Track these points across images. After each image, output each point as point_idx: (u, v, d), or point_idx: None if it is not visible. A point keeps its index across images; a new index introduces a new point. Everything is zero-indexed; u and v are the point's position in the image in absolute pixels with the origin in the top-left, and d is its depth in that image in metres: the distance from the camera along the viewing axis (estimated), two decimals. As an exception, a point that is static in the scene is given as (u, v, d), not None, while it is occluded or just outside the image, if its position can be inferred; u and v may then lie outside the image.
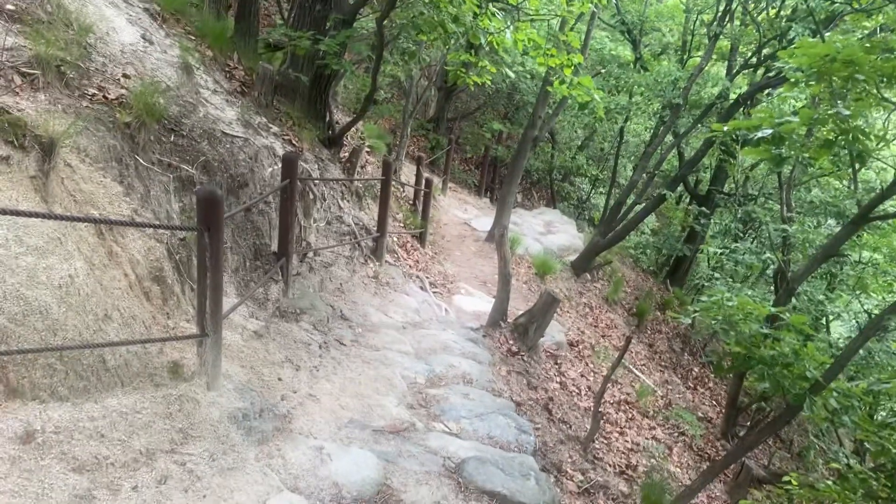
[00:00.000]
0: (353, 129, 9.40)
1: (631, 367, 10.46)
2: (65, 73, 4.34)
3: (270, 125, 6.86)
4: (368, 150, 10.79)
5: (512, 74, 8.95)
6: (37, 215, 3.06)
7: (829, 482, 6.06)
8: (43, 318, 3.20)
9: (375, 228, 8.45)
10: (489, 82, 8.77)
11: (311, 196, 7.20)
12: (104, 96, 4.52)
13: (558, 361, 8.18)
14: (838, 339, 14.10)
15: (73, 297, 3.41)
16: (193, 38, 6.59)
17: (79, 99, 4.35)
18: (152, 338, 3.96)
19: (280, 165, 6.12)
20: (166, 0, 6.57)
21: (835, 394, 5.61)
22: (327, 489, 3.54)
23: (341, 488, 3.58)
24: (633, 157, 19.92)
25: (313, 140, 7.87)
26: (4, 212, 2.82)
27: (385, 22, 7.26)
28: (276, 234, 6.14)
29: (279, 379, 4.66)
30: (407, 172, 13.49)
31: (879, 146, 7.18)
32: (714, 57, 14.40)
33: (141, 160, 4.57)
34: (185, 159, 5.05)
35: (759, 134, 5.35)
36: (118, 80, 4.82)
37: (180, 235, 4.68)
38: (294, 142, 7.16)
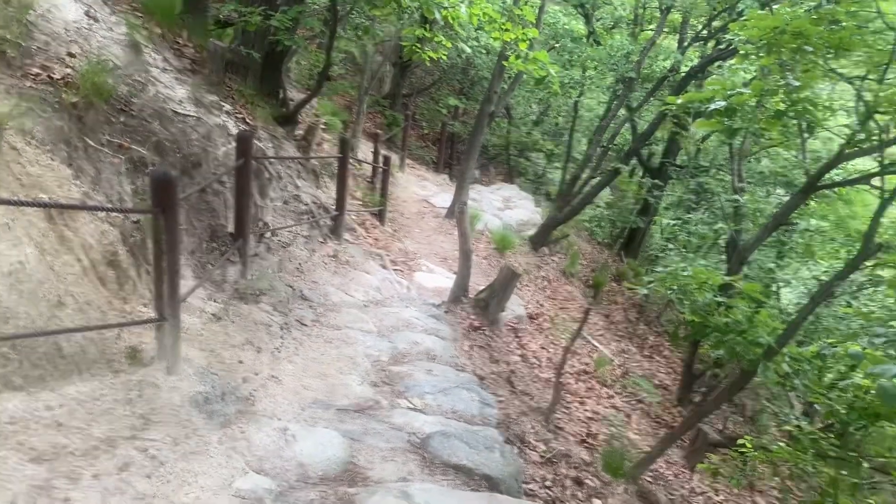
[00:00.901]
0: (307, 106, 9.26)
1: (589, 337, 10.63)
2: (5, 52, 4.18)
3: (223, 103, 6.72)
4: (324, 127, 10.66)
5: (467, 49, 8.91)
6: (-18, 200, 2.96)
7: (782, 444, 6.27)
8: (-7, 307, 3.11)
9: (334, 207, 8.37)
10: (444, 58, 8.71)
11: (267, 175, 7.09)
12: (49, 76, 4.37)
13: (519, 335, 8.27)
14: (788, 305, 14.51)
15: (24, 283, 3.32)
16: (140, 14, 6.39)
17: (21, 79, 4.20)
18: (109, 323, 3.87)
19: (234, 144, 6.00)
20: (110, -25, 6.35)
21: (787, 358, 5.79)
22: (293, 469, 3.53)
23: (307, 468, 3.57)
24: (587, 132, 20.05)
25: (267, 118, 7.73)
26: (-52, 198, 2.72)
27: (338, -4, 7.14)
28: (232, 214, 6.05)
29: (240, 361, 4.61)
30: (364, 150, 13.37)
31: (827, 116, 7.36)
32: (666, 30, 14.53)
33: (90, 142, 4.43)
34: (136, 140, 4.92)
35: (712, 106, 5.44)
36: (63, 59, 4.66)
37: (134, 218, 4.58)
38: (248, 120, 7.03)
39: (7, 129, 3.69)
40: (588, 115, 20.07)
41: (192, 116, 5.85)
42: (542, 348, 8.52)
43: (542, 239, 13.23)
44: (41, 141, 4.05)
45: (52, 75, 4.40)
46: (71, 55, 4.77)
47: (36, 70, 4.35)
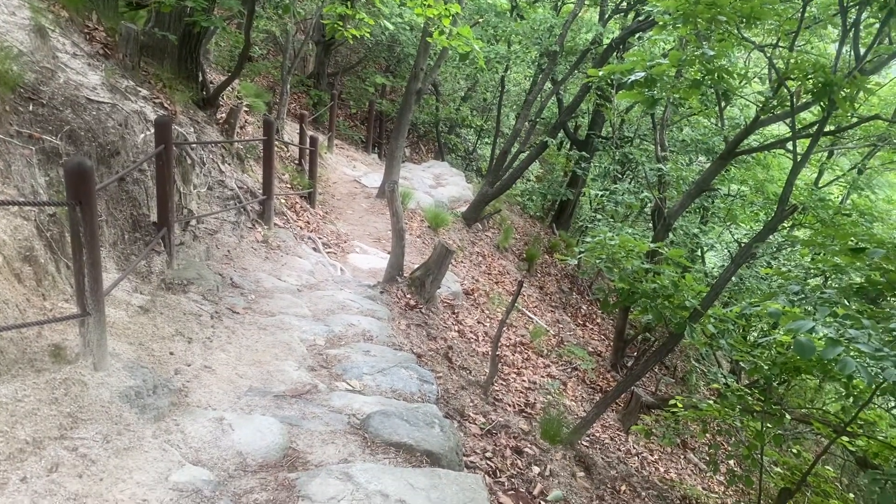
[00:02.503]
0: (228, 88, 9.03)
1: (524, 309, 10.80)
2: None
3: (139, 88, 6.48)
4: (247, 109, 10.41)
5: (390, 26, 8.82)
6: None
7: (711, 402, 6.54)
8: None
9: (261, 191, 8.21)
10: (368, 35, 8.61)
11: (189, 161, 6.90)
12: (-54, 64, 4.13)
13: (455, 311, 8.34)
14: (713, 268, 15.05)
15: (-67, 285, 3.16)
16: (44, -3, 6.08)
17: (-84, 68, 3.96)
18: (28, 322, 3.72)
19: (153, 131, 5.80)
20: (8, -45, 6.01)
21: (712, 320, 6.03)
22: (231, 459, 3.49)
23: (245, 456, 3.54)
24: (514, 106, 20.21)
25: (187, 102, 7.50)
26: None
27: (254, -25, 6.95)
28: (154, 203, 5.87)
29: (171, 353, 4.51)
30: (290, 131, 13.13)
31: (742, 84, 7.60)
32: (587, 3, 14.70)
33: (-4, 133, 4.22)
34: (47, 129, 4.70)
35: (633, 77, 5.55)
36: (-40, 45, 4.41)
37: (49, 211, 4.39)
38: (166, 105, 6.80)
39: None
40: (515, 89, 20.21)
41: (107, 103, 5.62)
42: (479, 323, 8.62)
43: (474, 215, 13.32)
44: (-58, 134, 3.83)
45: (-49, 64, 4.17)
46: (-30, 42, 4.52)
47: (-68, 58, 4.10)
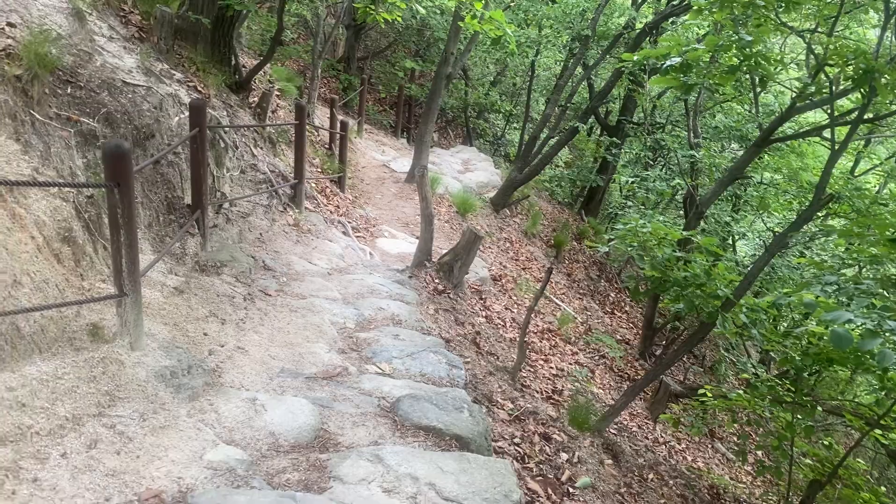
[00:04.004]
0: (261, 72, 9.07)
1: (552, 296, 10.77)
2: (-60, 24, 4.00)
3: (173, 72, 6.54)
4: (278, 93, 10.46)
5: (422, 10, 8.79)
6: (-73, 180, 2.86)
7: (740, 391, 6.48)
8: (-55, 289, 3.03)
9: (292, 175, 8.27)
10: (399, 19, 8.59)
11: (223, 144, 6.96)
12: (-12, 47, 4.20)
13: (483, 296, 8.34)
14: (744, 257, 14.88)
15: (-23, 264, 3.23)
16: (81, -20, 6.16)
17: (-40, 51, 4.03)
18: (67, 301, 3.80)
19: (187, 114, 5.86)
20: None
21: (744, 309, 5.95)
22: (264, 439, 3.54)
23: (278, 437, 3.59)
24: (544, 91, 20.06)
25: (220, 85, 7.56)
26: None
27: (287, -42, 6.95)
28: (188, 186, 5.93)
29: (205, 334, 4.58)
30: (320, 115, 13.18)
31: (779, 70, 7.46)
32: (620, -13, 14.51)
33: (37, 115, 4.29)
34: (85, 112, 4.77)
35: (667, 62, 5.47)
36: (2, 29, 4.48)
37: (88, 193, 4.46)
38: (200, 88, 6.87)
39: (-52, 104, 3.55)
40: (545, 74, 20.05)
41: (143, 86, 5.69)
42: (506, 309, 8.61)
43: (502, 200, 13.28)
44: (-15, 116, 3.91)
45: (-8, 47, 4.24)
46: (11, 25, 4.59)
47: (-26, 42, 4.18)
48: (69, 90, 4.76)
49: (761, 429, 8.28)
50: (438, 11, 15.76)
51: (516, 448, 4.67)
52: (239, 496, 2.85)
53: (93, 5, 5.93)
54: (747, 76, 8.04)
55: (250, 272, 5.98)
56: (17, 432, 2.88)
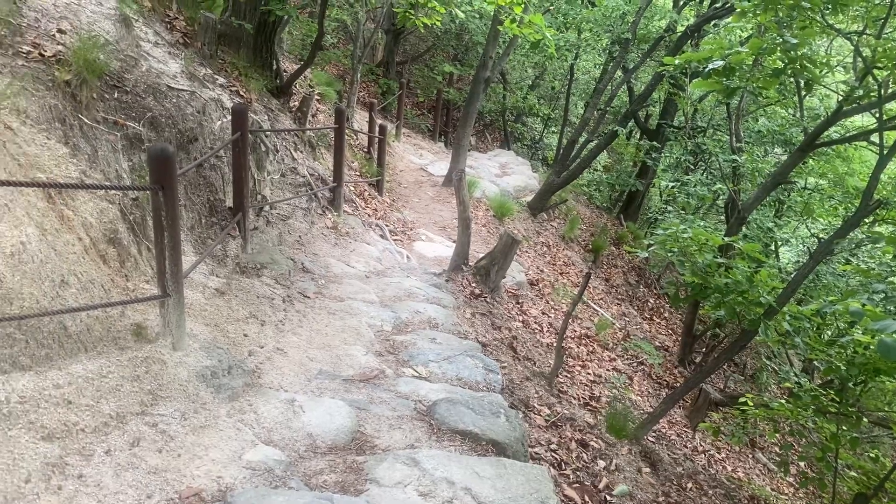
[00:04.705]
0: (301, 76, 9.18)
1: (589, 302, 10.68)
2: (-5, 31, 4.13)
3: (216, 76, 6.65)
4: (318, 97, 10.57)
5: (461, 14, 8.79)
6: (-19, 182, 2.95)
7: (782, 401, 6.34)
8: (-3, 288, 3.12)
9: (331, 178, 8.35)
10: (438, 23, 8.61)
11: (264, 148, 7.06)
12: (40, 53, 4.32)
13: (520, 301, 8.31)
14: (787, 264, 14.57)
15: (27, 264, 3.32)
16: (129, -13, 6.30)
17: (13, 58, 4.15)
18: (112, 301, 3.88)
19: (229, 118, 5.96)
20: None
21: (787, 317, 5.83)
22: (301, 440, 3.57)
23: (315, 438, 3.61)
24: (583, 95, 19.93)
25: (261, 90, 7.66)
26: (-53, 180, 2.71)
27: (328, -36, 7.03)
28: (230, 188, 6.03)
29: (245, 335, 4.64)
30: (359, 119, 13.28)
31: (825, 73, 7.30)
32: (661, -11, 14.36)
33: (85, 119, 4.40)
34: (130, 116, 4.88)
35: (710, 66, 5.38)
36: (53, 35, 4.60)
37: (132, 195, 4.56)
38: (242, 93, 6.97)
39: (1, 108, 3.66)
40: (584, 77, 19.93)
41: (186, 91, 5.80)
42: (543, 314, 8.56)
43: (540, 204, 13.22)
44: (36, 120, 4.02)
45: (44, 52, 4.35)
46: (61, 31, 4.71)
47: (27, 48, 4.30)
48: (116, 95, 4.87)
49: (804, 439, 8.09)
50: (477, 16, 15.76)
51: (553, 454, 4.64)
52: (277, 496, 2.88)
53: (139, 12, 6.06)
54: (792, 79, 7.88)
55: (289, 274, 6.05)
56: (63, 429, 2.95)
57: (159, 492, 2.83)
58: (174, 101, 5.53)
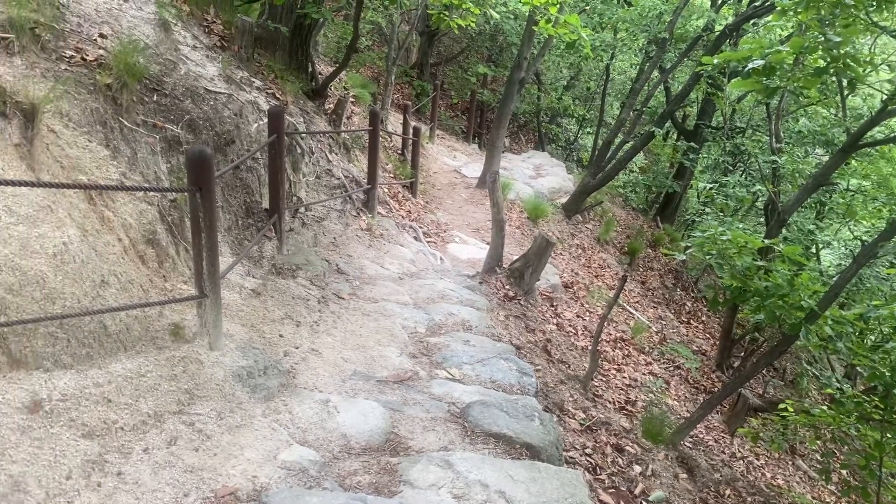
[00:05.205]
0: (336, 79, 9.24)
1: (625, 304, 10.56)
2: (40, 36, 4.22)
3: (253, 79, 6.73)
4: (353, 100, 10.63)
5: (496, 15, 8.77)
6: (26, 184, 3.02)
7: (824, 407, 6.19)
8: (40, 287, 3.18)
9: (366, 180, 8.38)
10: (473, 25, 8.60)
11: (299, 150, 7.12)
12: (82, 58, 4.41)
13: (554, 303, 8.25)
14: (829, 267, 14.26)
15: (69, 264, 3.39)
16: (168, -8, 6.41)
17: (56, 62, 4.24)
18: (151, 301, 3.94)
19: (265, 120, 6.02)
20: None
21: (829, 321, 5.69)
22: (336, 440, 3.58)
23: (350, 439, 3.62)
24: (619, 95, 19.75)
25: (297, 93, 7.73)
26: (-8, 182, 2.77)
27: (364, -33, 7.06)
28: (266, 190, 6.09)
29: (280, 335, 4.67)
30: (393, 121, 13.33)
31: (868, 72, 7.13)
32: (699, -12, 14.17)
33: (125, 122, 4.48)
34: (169, 119, 4.96)
35: (750, 65, 5.29)
36: (95, 40, 4.70)
37: (171, 197, 4.63)
38: (278, 95, 7.04)
39: (45, 112, 3.74)
40: (620, 78, 19.75)
41: (224, 94, 5.87)
42: (578, 317, 8.49)
43: (575, 206, 13.12)
44: (78, 123, 4.10)
45: (86, 57, 4.44)
46: (102, 36, 4.80)
47: (70, 52, 4.39)
48: (155, 98, 4.95)
49: (847, 447, 7.90)
50: (512, 16, 15.71)
51: (588, 459, 4.58)
52: (311, 497, 2.89)
53: (178, 16, 6.15)
54: (834, 79, 7.70)
55: (324, 275, 6.08)
56: (103, 427, 2.99)
57: (195, 490, 2.85)
58: (212, 103, 5.60)
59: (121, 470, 2.83)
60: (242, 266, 5.40)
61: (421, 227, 9.28)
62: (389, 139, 11.83)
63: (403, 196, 10.15)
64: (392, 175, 10.37)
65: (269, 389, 3.86)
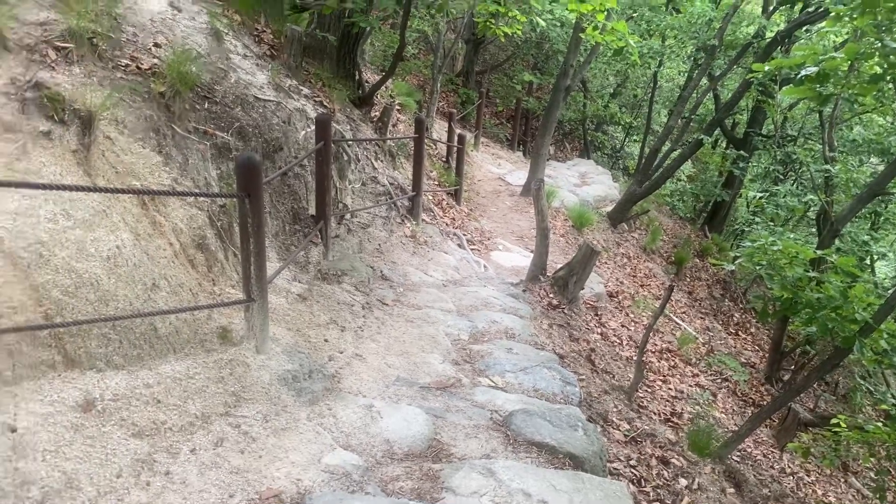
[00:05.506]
0: (382, 87, 9.33)
1: (671, 315, 10.40)
2: (97, 45, 4.35)
3: (301, 87, 6.83)
4: (399, 107, 10.72)
5: (542, 23, 8.73)
6: (83, 189, 3.11)
7: (879, 423, 6.00)
8: (94, 290, 3.27)
9: (410, 187, 8.43)
10: (519, 32, 8.59)
11: (346, 157, 7.19)
12: (137, 66, 4.53)
13: (599, 313, 8.16)
14: (884, 279, 13.83)
15: (122, 267, 3.48)
16: (220, 2, 6.55)
17: (113, 70, 4.37)
18: (200, 305, 4.02)
19: (313, 128, 6.10)
20: (190, -34, 6.52)
21: (885, 335, 5.53)
22: (379, 446, 3.60)
23: (392, 444, 3.63)
24: (667, 103, 19.51)
25: (344, 100, 7.82)
26: (52, 186, 2.87)
27: (411, -24, 7.13)
28: (312, 197, 6.17)
29: (325, 340, 4.72)
30: (438, 129, 13.39)
31: (928, 78, 6.89)
32: (749, -6, 13.92)
33: (177, 129, 4.59)
34: (219, 126, 5.06)
35: (803, 72, 5.18)
36: (150, 49, 4.83)
37: (220, 202, 4.72)
38: (325, 103, 7.13)
39: (101, 119, 3.85)
40: (668, 85, 19.52)
41: (273, 101, 5.97)
42: (623, 326, 8.39)
43: (620, 215, 12.98)
44: (132, 130, 4.21)
45: (141, 66, 4.57)
46: (157, 45, 4.93)
47: (126, 61, 4.52)
48: (206, 105, 5.06)
49: (903, 465, 7.63)
50: (558, 24, 15.66)
51: (632, 470, 4.52)
52: (354, 501, 2.90)
53: (229, 26, 6.29)
54: (891, 86, 7.48)
55: (369, 282, 6.13)
56: (152, 427, 3.06)
57: (241, 492, 2.89)
58: (261, 111, 5.70)
59: (169, 469, 2.89)
60: (289, 271, 5.47)
61: (465, 235, 9.29)
62: (434, 146, 11.88)
63: (448, 203, 10.17)
64: (436, 182, 10.41)
65: (314, 393, 3.90)
